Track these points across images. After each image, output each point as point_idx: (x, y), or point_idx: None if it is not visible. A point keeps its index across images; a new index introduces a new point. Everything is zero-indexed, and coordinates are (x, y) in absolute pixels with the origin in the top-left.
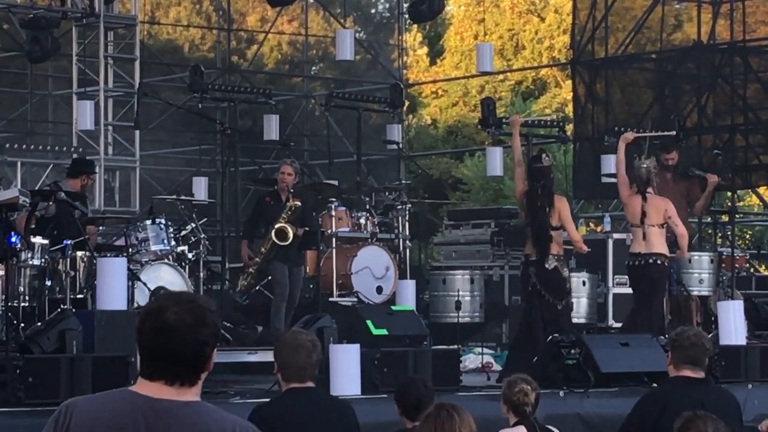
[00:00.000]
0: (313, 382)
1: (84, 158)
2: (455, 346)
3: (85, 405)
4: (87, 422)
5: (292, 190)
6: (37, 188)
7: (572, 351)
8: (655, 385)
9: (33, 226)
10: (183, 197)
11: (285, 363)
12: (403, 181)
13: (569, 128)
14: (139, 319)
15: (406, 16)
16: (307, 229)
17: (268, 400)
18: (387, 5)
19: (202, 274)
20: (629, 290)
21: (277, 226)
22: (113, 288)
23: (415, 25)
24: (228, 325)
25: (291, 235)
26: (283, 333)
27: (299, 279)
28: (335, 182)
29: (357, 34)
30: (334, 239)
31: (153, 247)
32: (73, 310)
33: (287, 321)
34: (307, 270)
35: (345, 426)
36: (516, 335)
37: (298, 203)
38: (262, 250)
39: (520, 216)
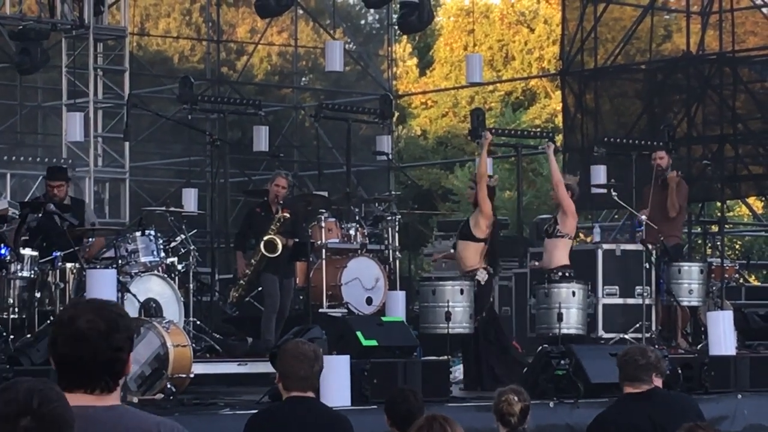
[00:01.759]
0: (313, 392)
1: (51, 165)
2: (445, 357)
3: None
4: None
5: (281, 202)
6: (26, 200)
7: (562, 362)
8: None
9: (24, 237)
10: (173, 209)
11: (286, 372)
12: (393, 192)
13: (559, 139)
14: (52, 331)
15: (396, 27)
16: (297, 240)
17: (266, 407)
18: (376, 16)
19: (191, 286)
20: (620, 300)
21: (266, 238)
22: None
23: (405, 36)
24: (218, 336)
25: (280, 246)
26: (273, 344)
27: (290, 290)
28: (325, 193)
29: (346, 45)
30: (323, 250)
31: (142, 259)
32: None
33: (277, 332)
34: (297, 281)
35: None
36: (483, 347)
37: (287, 215)
38: (252, 261)
39: (510, 227)
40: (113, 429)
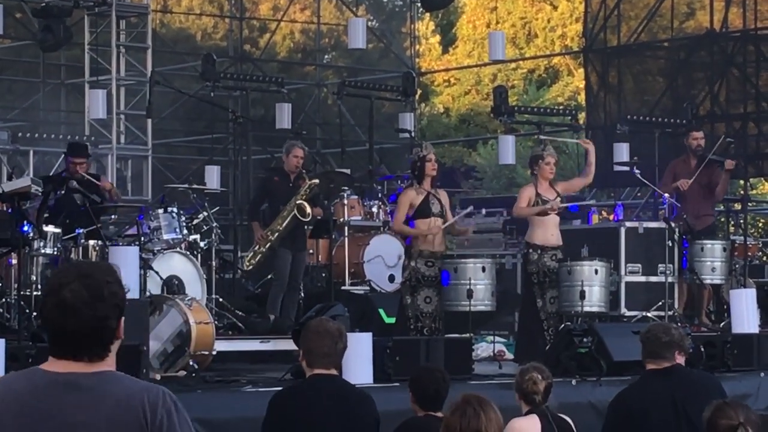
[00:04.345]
0: (337, 370)
1: (73, 142)
2: (467, 335)
3: None
4: None
5: (303, 171)
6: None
7: (584, 339)
8: None
9: (46, 215)
10: (195, 186)
11: (309, 349)
12: None
13: (582, 116)
14: (42, 297)
15: (419, 4)
16: (319, 212)
17: (289, 385)
18: None
19: (214, 263)
20: (642, 278)
21: (298, 201)
22: (125, 277)
23: (428, 14)
24: (240, 313)
25: (309, 211)
26: (294, 321)
27: (303, 261)
28: (347, 171)
29: (369, 23)
30: (346, 228)
31: (165, 236)
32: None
33: (294, 306)
34: (320, 258)
35: (365, 416)
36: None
37: (317, 181)
38: (279, 228)
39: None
40: (95, 394)
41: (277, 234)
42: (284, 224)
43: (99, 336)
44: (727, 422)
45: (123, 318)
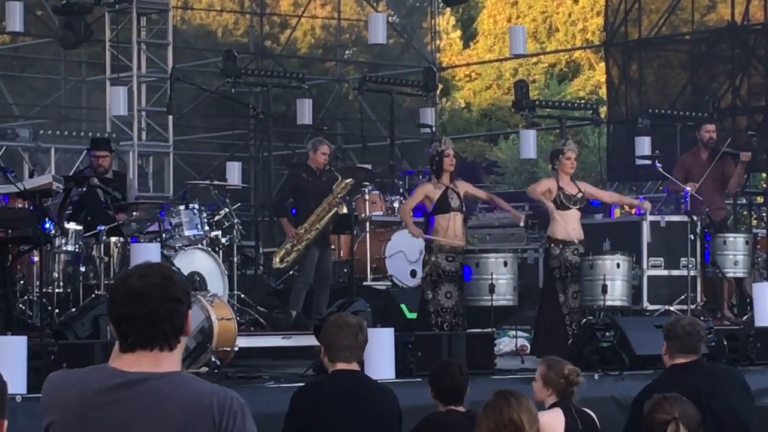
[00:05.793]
0: (359, 364)
1: (95, 137)
2: (490, 330)
3: (60, 382)
4: (60, 399)
5: (329, 168)
6: (71, 174)
7: (607, 333)
8: None
9: (67, 212)
10: (216, 182)
11: (330, 344)
12: None
13: (603, 110)
14: (109, 294)
15: None
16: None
17: (311, 381)
18: None
19: (235, 259)
20: (664, 272)
21: (338, 200)
22: None
23: (448, 9)
24: (262, 309)
25: (345, 211)
26: (302, 315)
27: (330, 257)
28: (369, 166)
29: (390, 18)
30: (368, 223)
31: (187, 232)
32: (107, 295)
33: (326, 301)
34: (342, 254)
35: (387, 411)
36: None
37: (351, 180)
38: (318, 226)
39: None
40: (163, 396)
41: (316, 232)
42: (323, 222)
43: (172, 320)
44: (662, 416)
45: (190, 312)
